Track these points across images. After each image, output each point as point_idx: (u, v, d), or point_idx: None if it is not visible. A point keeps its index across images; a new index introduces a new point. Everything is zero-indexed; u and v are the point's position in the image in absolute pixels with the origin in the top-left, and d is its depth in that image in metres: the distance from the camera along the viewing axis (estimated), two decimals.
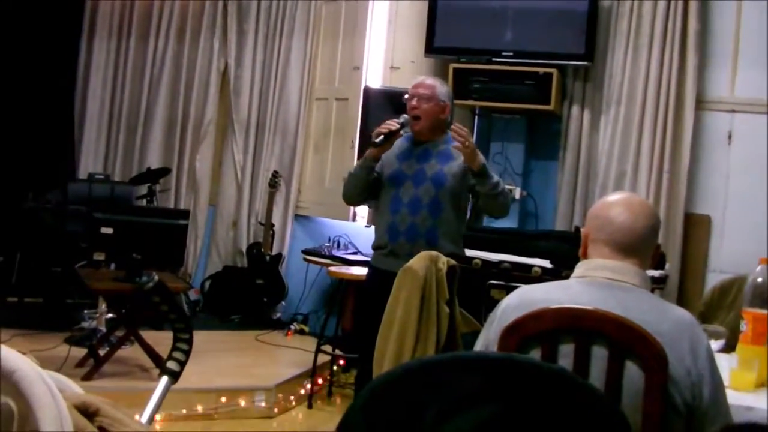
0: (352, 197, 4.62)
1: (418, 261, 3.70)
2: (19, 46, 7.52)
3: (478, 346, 2.40)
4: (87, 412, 1.35)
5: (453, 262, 3.81)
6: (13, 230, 6.86)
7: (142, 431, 1.33)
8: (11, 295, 6.73)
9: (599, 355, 2.16)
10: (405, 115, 4.42)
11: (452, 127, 4.14)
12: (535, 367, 1.47)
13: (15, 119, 7.50)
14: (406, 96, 4.49)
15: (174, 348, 1.94)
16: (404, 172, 4.37)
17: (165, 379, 1.85)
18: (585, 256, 2.41)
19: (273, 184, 7.24)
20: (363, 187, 4.47)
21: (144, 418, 1.71)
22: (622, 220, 2.34)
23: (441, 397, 1.38)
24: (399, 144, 4.48)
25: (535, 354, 2.20)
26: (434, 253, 3.80)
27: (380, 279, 4.27)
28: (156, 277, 1.88)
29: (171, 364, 1.90)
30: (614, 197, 2.46)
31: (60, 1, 7.86)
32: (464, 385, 1.39)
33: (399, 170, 4.39)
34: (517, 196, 6.54)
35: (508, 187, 6.45)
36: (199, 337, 4.08)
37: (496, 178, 4.22)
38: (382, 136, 4.28)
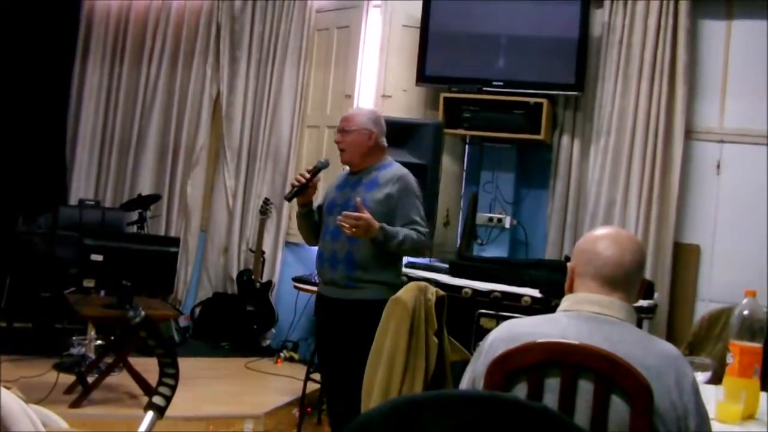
0: (307, 239, 4.71)
1: (407, 291, 3.71)
2: (13, 69, 7.54)
3: (466, 378, 2.41)
4: None
5: (441, 292, 3.81)
6: (2, 254, 6.84)
7: None
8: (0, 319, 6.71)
9: (585, 388, 2.17)
10: (321, 160, 4.50)
11: (338, 218, 4.13)
12: (519, 405, 1.47)
13: (7, 142, 7.50)
14: None
15: (160, 383, 1.94)
16: (336, 202, 4.41)
17: (150, 414, 1.85)
18: (571, 289, 2.43)
19: (264, 211, 7.25)
20: (307, 230, 4.60)
21: None
22: (609, 254, 2.36)
23: None
24: (340, 175, 4.61)
25: (522, 387, 2.20)
26: (423, 283, 3.81)
27: (318, 302, 4.54)
28: (143, 313, 1.88)
29: (157, 399, 1.90)
30: (601, 231, 2.47)
31: (54, 25, 7.88)
32: (449, 425, 1.40)
33: (332, 200, 4.46)
34: (507, 225, 6.57)
35: (498, 216, 6.52)
36: (189, 363, 4.11)
37: (399, 238, 4.16)
38: (295, 190, 4.37)
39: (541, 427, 1.40)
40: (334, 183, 4.59)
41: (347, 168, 4.56)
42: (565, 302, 2.40)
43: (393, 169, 4.41)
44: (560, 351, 2.20)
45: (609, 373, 2.14)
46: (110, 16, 8.18)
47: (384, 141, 4.49)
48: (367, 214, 4.09)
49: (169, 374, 1.91)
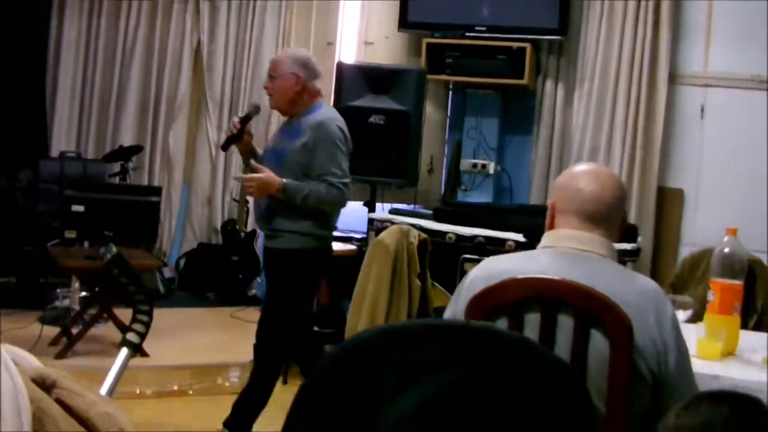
0: None
1: (389, 235, 3.70)
2: None
3: (446, 316, 2.40)
4: (44, 384, 1.34)
5: (424, 236, 3.81)
6: None
7: (100, 402, 1.32)
8: None
9: (565, 325, 2.17)
10: (253, 105, 4.45)
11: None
12: (494, 334, 1.47)
13: None
14: None
15: (134, 320, 1.93)
16: (268, 152, 4.36)
17: (124, 350, 1.84)
18: (552, 226, 2.41)
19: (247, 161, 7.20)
20: None
21: (104, 390, 1.70)
22: (590, 190, 2.33)
23: (400, 366, 1.37)
24: (282, 121, 4.54)
25: (502, 324, 2.20)
26: (405, 226, 3.81)
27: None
28: (114, 249, 1.86)
29: (131, 336, 1.89)
30: (581, 168, 2.45)
31: None
32: (422, 354, 1.39)
33: (267, 149, 4.41)
34: (492, 171, 6.56)
35: (482, 162, 6.51)
36: (175, 314, 4.11)
37: (302, 193, 4.07)
38: (228, 139, 4.35)
39: (517, 355, 1.39)
40: (278, 129, 4.56)
41: None
42: (545, 239, 2.39)
43: (316, 114, 4.25)
44: (540, 287, 2.20)
45: (588, 308, 2.14)
46: None
47: (316, 85, 4.32)
48: (261, 174, 4.05)
49: (143, 311, 1.90)
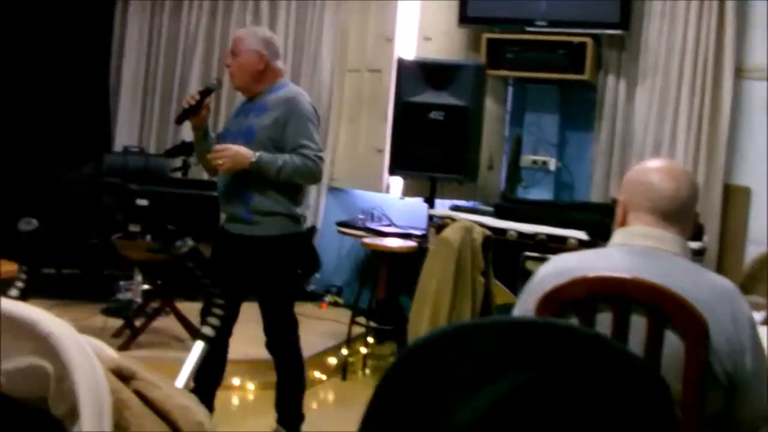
0: (207, 170, 4.49)
1: (453, 231, 3.68)
2: (55, 18, 7.55)
3: (515, 314, 2.38)
4: (122, 375, 1.35)
5: (487, 232, 3.78)
6: (49, 202, 6.90)
7: (178, 394, 1.33)
8: (48, 266, 6.76)
9: (638, 323, 2.14)
10: (212, 80, 4.34)
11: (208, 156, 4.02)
12: (573, 331, 1.44)
13: (50, 91, 7.53)
14: None
15: (209, 313, 1.93)
16: (230, 131, 4.23)
17: (200, 343, 1.84)
18: (623, 223, 2.38)
19: None
20: (205, 159, 4.29)
21: (180, 382, 1.71)
22: (666, 188, 2.29)
23: (476, 362, 1.36)
24: (239, 103, 4.38)
25: (573, 322, 2.17)
26: (468, 223, 3.78)
27: (220, 235, 4.26)
28: (190, 242, 1.87)
29: (206, 330, 1.90)
30: (654, 164, 2.41)
31: None
32: (500, 350, 1.37)
33: (227, 130, 4.29)
34: (552, 168, 6.50)
35: (542, 158, 6.45)
36: (245, 307, 4.14)
37: (277, 164, 3.96)
38: (183, 112, 4.14)
39: (595, 353, 1.37)
40: (233, 111, 4.42)
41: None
42: (617, 236, 2.36)
43: (284, 91, 4.18)
44: (611, 285, 2.17)
45: (662, 307, 2.10)
46: None
47: (278, 64, 4.25)
48: (233, 146, 3.97)
49: (217, 304, 1.90)
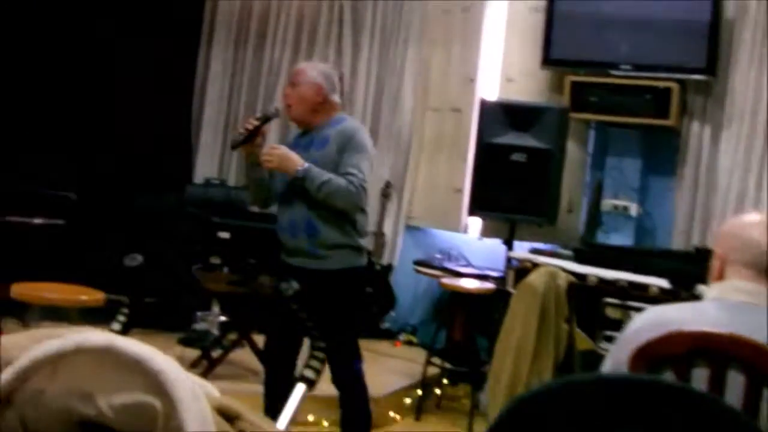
0: (254, 201, 4.50)
1: (538, 277, 3.65)
2: (142, 53, 7.72)
3: (607, 366, 2.35)
4: (227, 415, 1.35)
5: (572, 279, 3.74)
6: (129, 231, 7.02)
7: None
8: (121, 293, 6.86)
9: (735, 381, 2.09)
10: (272, 108, 4.33)
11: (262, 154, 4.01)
12: (682, 390, 1.41)
13: (136, 121, 7.69)
14: None
15: (311, 356, 1.94)
16: None
17: (301, 386, 1.85)
18: (720, 277, 2.33)
19: (385, 193, 7.24)
20: (258, 189, 4.33)
21: (281, 425, 1.71)
22: (765, 242, 2.25)
23: (583, 419, 1.34)
24: (293, 136, 4.37)
25: (668, 377, 2.13)
26: (553, 268, 3.75)
27: (282, 269, 4.22)
28: (296, 285, 1.88)
29: (307, 372, 1.90)
30: (753, 218, 2.37)
31: (180, 9, 8.04)
32: (606, 407, 1.35)
33: None
34: (633, 213, 6.42)
35: (624, 203, 6.38)
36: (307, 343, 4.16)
37: (322, 178, 3.95)
38: (241, 138, 4.10)
39: (705, 412, 1.33)
40: (288, 143, 4.39)
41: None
42: (713, 290, 2.32)
43: (342, 124, 4.19)
44: (708, 340, 2.12)
45: (761, 365, 2.06)
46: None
47: (336, 98, 4.26)
48: (285, 148, 4.00)
49: (319, 347, 1.91)
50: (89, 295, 4.56)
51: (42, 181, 6.34)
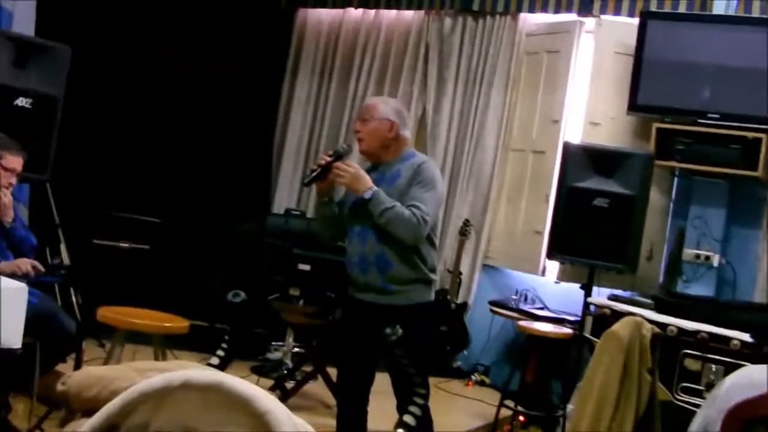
0: (322, 235, 4.48)
1: (623, 326, 3.61)
2: (227, 83, 7.86)
3: (696, 423, 2.31)
4: None
5: (657, 329, 3.70)
6: (208, 257, 7.12)
7: None
8: (201, 319, 6.95)
9: None
10: (344, 145, 4.23)
11: (335, 164, 3.99)
12: None
13: (219, 150, 7.82)
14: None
15: (411, 402, 1.94)
16: (360, 201, 4.11)
17: None
18: None
19: (463, 231, 7.23)
20: (324, 224, 4.34)
21: None
22: None
23: None
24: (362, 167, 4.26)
25: None
26: (638, 318, 3.71)
27: (350, 304, 4.22)
28: (400, 331, 1.89)
29: (407, 418, 1.91)
30: None
31: (267, 40, 8.18)
32: None
33: (355, 198, 4.15)
34: (715, 263, 6.32)
35: (706, 253, 6.28)
36: (380, 378, 4.14)
37: (386, 204, 3.94)
38: (314, 174, 4.09)
39: None
40: None
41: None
42: None
43: (413, 160, 4.16)
44: None
45: None
46: (321, 31, 8.43)
47: (407, 133, 4.25)
48: (358, 167, 3.99)
49: (420, 394, 1.91)
50: (174, 323, 4.62)
51: (129, 207, 6.47)
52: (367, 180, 3.99)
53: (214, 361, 3.41)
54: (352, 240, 4.19)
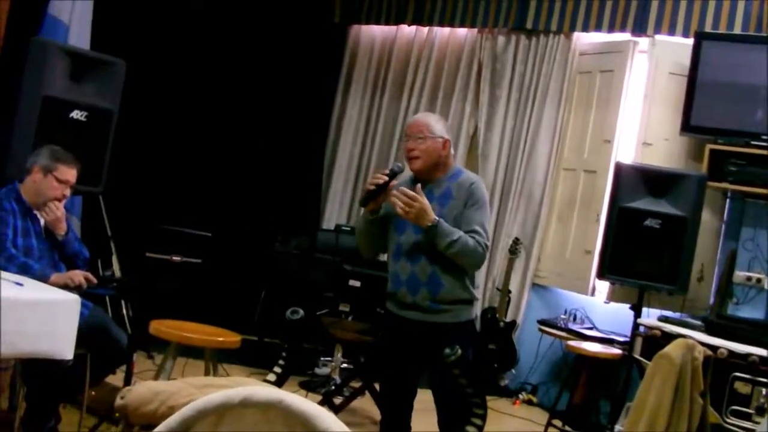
0: (363, 249, 4.38)
1: (675, 348, 3.61)
2: (280, 98, 7.95)
3: None
4: None
5: (709, 352, 3.68)
6: (260, 271, 7.19)
7: None
8: (251, 333, 7.01)
9: None
10: (397, 164, 4.14)
11: (394, 192, 3.91)
12: None
13: (269, 166, 7.90)
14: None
15: (468, 422, 1.97)
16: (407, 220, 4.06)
17: None
18: None
19: (513, 250, 7.22)
20: (369, 240, 4.24)
21: None
22: None
23: None
24: (406, 184, 4.14)
25: None
26: (691, 341, 3.69)
27: (393, 321, 4.15)
28: (459, 351, 1.92)
29: None
30: None
31: (320, 58, 8.25)
32: None
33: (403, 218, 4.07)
34: (766, 286, 6.26)
35: (757, 275, 6.22)
36: (425, 395, 4.15)
37: (452, 237, 3.89)
38: (370, 194, 4.02)
39: None
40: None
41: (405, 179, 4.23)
42: None
43: (462, 177, 4.13)
44: None
45: None
46: (374, 48, 8.48)
47: (452, 150, 4.23)
48: (423, 200, 3.89)
49: (478, 414, 1.94)
50: (226, 337, 4.65)
51: (181, 221, 6.55)
52: (430, 212, 3.93)
53: (271, 377, 3.45)
54: (399, 259, 4.13)
